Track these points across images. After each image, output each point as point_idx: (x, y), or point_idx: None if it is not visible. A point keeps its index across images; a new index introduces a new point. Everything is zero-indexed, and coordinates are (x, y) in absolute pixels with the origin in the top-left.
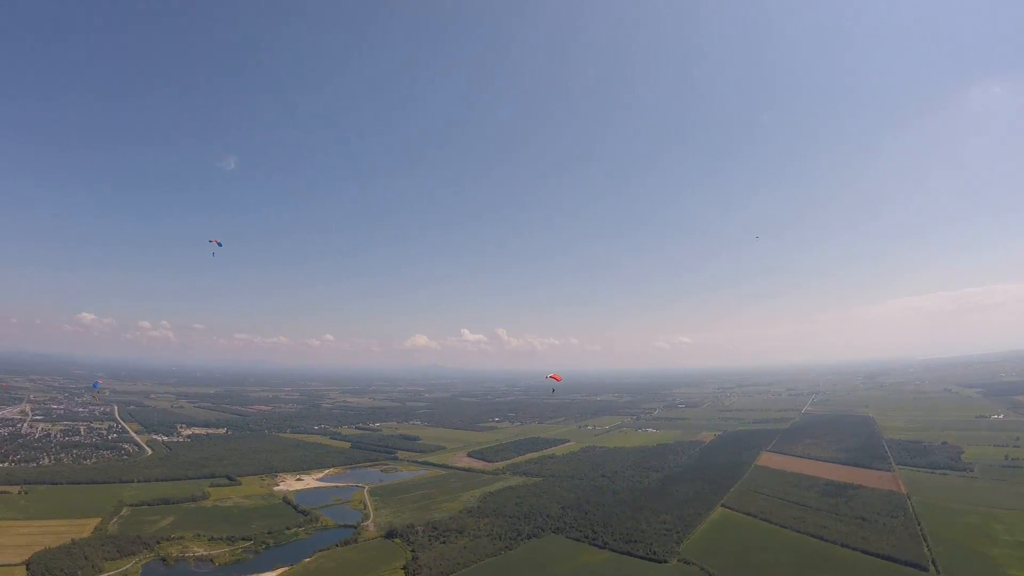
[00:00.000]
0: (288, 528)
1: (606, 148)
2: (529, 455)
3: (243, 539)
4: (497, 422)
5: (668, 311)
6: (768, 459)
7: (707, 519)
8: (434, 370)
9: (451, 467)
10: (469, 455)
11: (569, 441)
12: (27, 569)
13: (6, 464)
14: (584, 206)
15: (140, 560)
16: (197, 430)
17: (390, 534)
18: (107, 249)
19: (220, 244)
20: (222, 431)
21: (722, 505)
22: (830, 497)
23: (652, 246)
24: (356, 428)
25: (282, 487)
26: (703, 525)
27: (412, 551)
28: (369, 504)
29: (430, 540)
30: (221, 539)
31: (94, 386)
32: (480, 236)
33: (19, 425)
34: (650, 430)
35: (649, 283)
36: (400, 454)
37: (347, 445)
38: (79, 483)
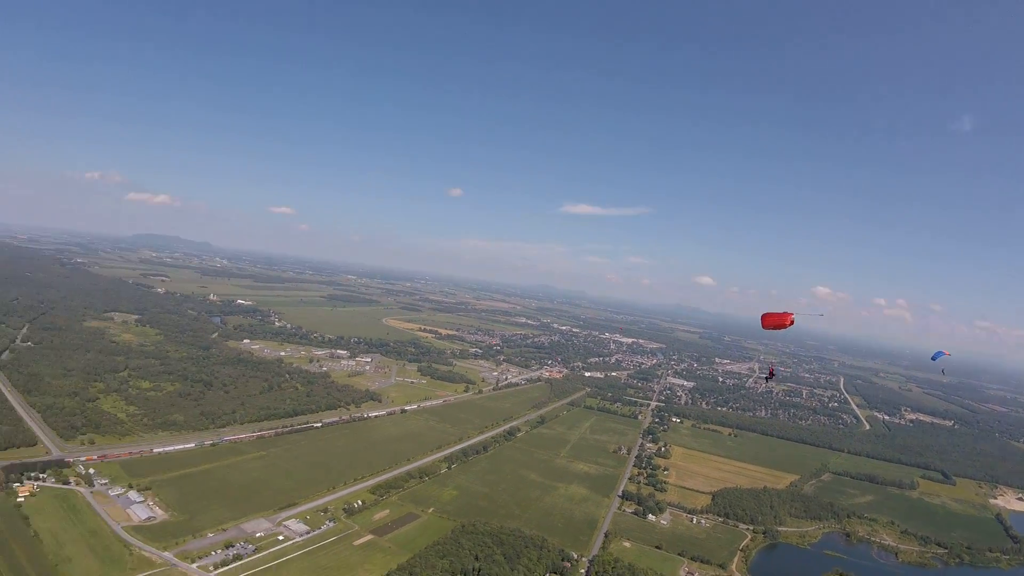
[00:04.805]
0: (991, 551)
1: None
2: None
3: (937, 544)
4: None
5: None
6: None
7: None
8: None
9: None
10: None
11: None
12: (712, 499)
13: (725, 409)
14: None
15: (823, 528)
16: (922, 416)
17: None
18: (843, 226)
19: None
20: (948, 423)
21: None
22: None
23: None
24: None
25: (999, 502)
26: None
27: None
28: None
29: None
30: (914, 536)
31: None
32: None
33: (745, 379)
34: None
35: None
36: None
37: None
38: (787, 439)
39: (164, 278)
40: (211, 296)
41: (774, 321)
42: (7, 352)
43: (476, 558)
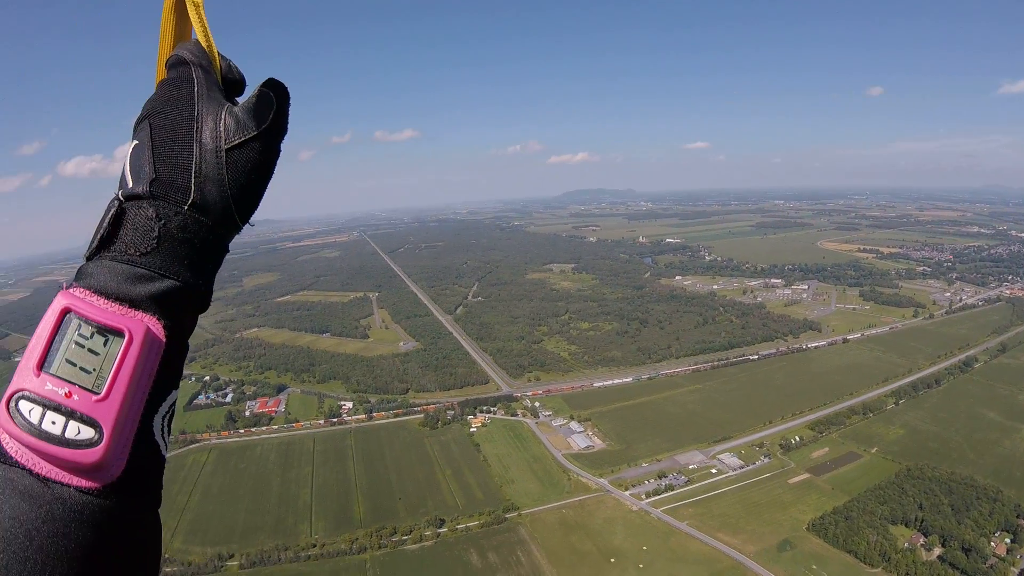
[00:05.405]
0: None
1: None
2: None
3: None
4: None
5: None
6: None
7: None
8: None
9: None
10: None
11: None
12: None
13: None
14: None
15: None
16: None
17: None
18: None
19: None
20: None
21: None
22: None
23: None
24: None
25: None
26: None
27: None
28: None
29: None
30: None
31: None
32: None
33: None
34: None
35: None
36: None
37: None
38: None
39: (594, 227)
40: (640, 239)
41: None
42: (461, 307)
43: (920, 507)
